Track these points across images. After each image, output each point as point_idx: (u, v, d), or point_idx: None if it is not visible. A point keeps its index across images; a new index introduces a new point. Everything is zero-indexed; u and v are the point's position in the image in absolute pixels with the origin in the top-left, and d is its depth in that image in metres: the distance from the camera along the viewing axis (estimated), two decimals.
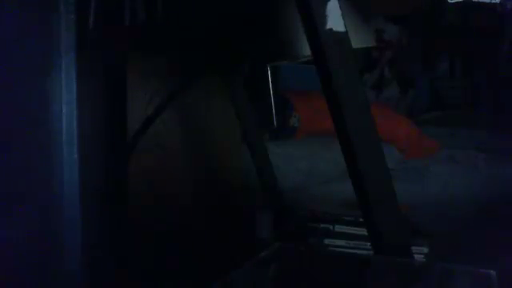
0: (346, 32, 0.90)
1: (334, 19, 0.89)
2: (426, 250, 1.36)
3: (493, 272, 0.77)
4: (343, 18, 0.89)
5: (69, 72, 1.14)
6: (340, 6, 0.90)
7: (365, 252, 1.32)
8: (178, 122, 1.53)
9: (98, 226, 1.29)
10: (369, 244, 1.00)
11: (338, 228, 1.41)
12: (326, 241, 1.41)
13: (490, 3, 4.31)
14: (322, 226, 1.42)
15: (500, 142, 2.52)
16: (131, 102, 1.39)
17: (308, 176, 2.03)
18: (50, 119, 1.13)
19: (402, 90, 3.99)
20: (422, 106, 4.08)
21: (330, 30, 0.89)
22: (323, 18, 0.88)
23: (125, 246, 1.38)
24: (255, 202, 1.68)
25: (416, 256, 1.25)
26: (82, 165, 1.16)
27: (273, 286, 0.80)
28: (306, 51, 0.95)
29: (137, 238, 1.39)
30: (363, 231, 1.10)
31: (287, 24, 1.17)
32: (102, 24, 1.24)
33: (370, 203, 0.90)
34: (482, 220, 1.73)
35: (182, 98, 1.48)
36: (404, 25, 3.87)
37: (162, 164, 1.47)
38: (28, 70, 1.10)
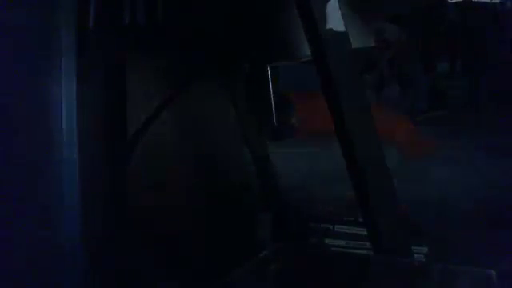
0: (346, 32, 0.90)
1: (334, 19, 0.89)
2: (425, 249, 1.36)
3: (493, 272, 0.77)
4: (343, 18, 0.90)
5: (69, 72, 1.14)
6: (340, 7, 0.90)
7: (365, 252, 1.32)
8: (178, 122, 1.53)
9: (97, 225, 1.29)
10: (369, 244, 1.00)
11: (338, 228, 1.41)
12: (326, 241, 1.41)
13: (489, 3, 4.31)
14: (321, 225, 1.42)
15: (500, 141, 2.52)
16: (131, 102, 1.39)
17: (308, 176, 2.03)
18: (49, 119, 1.13)
19: (402, 90, 3.99)
20: (422, 106, 4.08)
21: (330, 30, 0.89)
22: (323, 18, 0.88)
23: (125, 245, 1.38)
24: (255, 202, 1.68)
25: (416, 256, 1.25)
26: (81, 165, 1.16)
27: (273, 285, 0.80)
28: (306, 51, 0.96)
29: (137, 237, 1.39)
30: (363, 231, 1.10)
31: (287, 24, 1.17)
32: (102, 24, 1.24)
33: (369, 203, 0.90)
34: (481, 220, 1.73)
35: (182, 98, 1.48)
36: (404, 25, 3.87)
37: (162, 164, 1.47)
38: (28, 70, 1.10)
